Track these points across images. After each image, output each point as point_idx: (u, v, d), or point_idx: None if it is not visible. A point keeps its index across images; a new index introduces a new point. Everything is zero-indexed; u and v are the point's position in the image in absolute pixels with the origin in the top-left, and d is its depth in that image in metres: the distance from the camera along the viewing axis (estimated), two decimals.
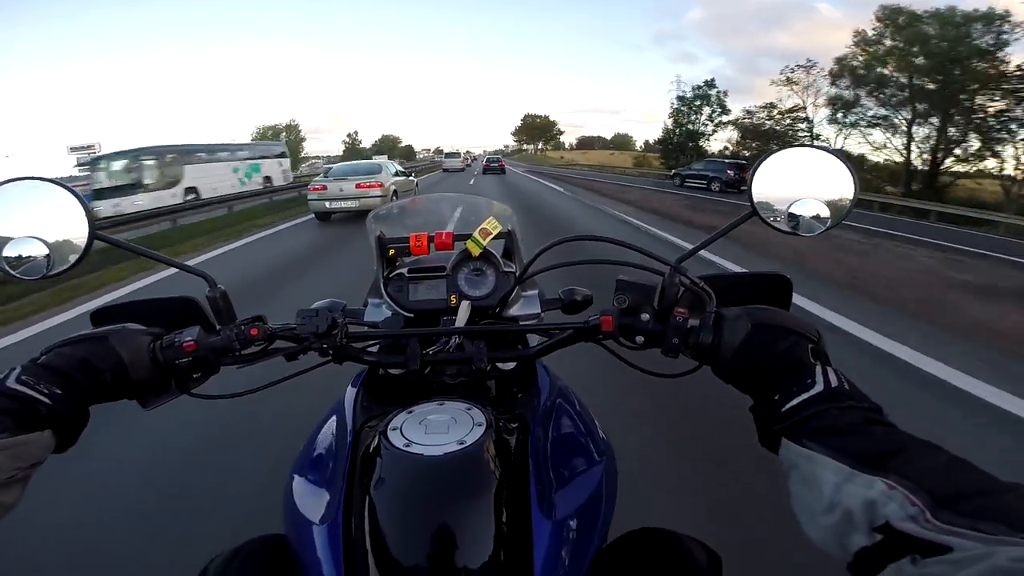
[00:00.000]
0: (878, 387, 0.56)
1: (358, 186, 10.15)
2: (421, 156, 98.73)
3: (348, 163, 13.39)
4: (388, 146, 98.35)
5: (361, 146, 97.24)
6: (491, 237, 0.86)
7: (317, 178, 11.33)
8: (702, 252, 0.69)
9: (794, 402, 0.48)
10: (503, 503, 0.51)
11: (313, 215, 10.33)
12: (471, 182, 23.76)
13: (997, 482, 0.36)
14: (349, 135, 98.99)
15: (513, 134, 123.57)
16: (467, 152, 75.05)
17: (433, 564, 0.46)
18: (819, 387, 0.48)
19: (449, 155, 45.77)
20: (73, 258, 0.56)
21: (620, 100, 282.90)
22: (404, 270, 0.92)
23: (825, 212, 0.60)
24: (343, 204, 10.10)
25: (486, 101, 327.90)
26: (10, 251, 0.54)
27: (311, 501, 0.61)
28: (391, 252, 0.96)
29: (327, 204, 10.13)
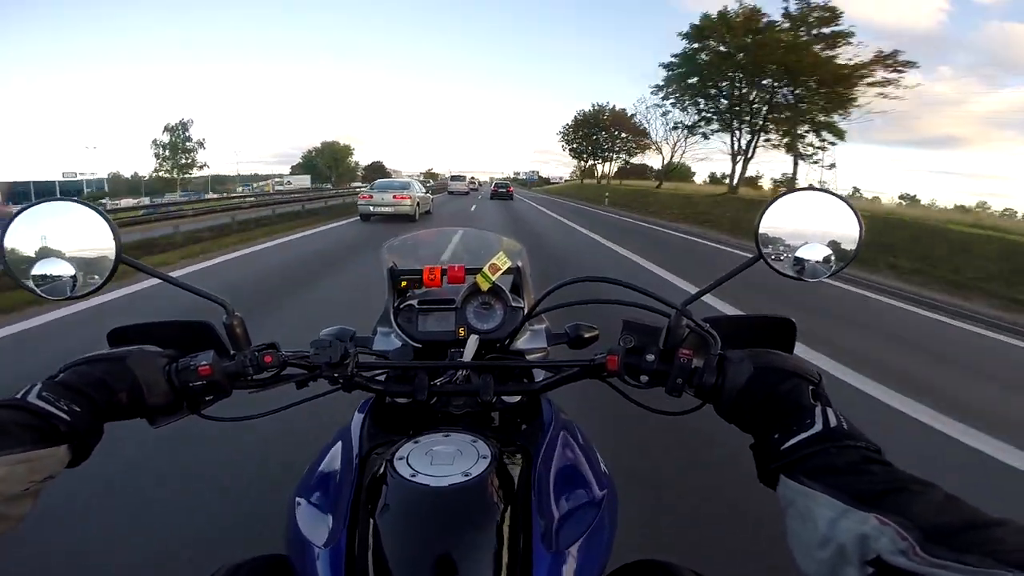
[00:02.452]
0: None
1: (395, 197, 14.34)
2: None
3: (387, 180, 17.87)
4: (328, 159, 68.76)
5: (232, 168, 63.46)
6: (500, 273, 0.88)
7: (365, 190, 16.00)
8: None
9: (793, 441, 0.49)
10: (505, 535, 0.52)
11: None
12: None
13: (987, 517, 0.37)
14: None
15: (569, 130, 63.85)
16: (472, 178, 62.75)
17: None
18: (818, 427, 0.49)
19: (455, 178, 45.20)
20: (98, 281, 0.58)
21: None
22: (414, 301, 0.94)
23: (830, 256, 0.61)
24: (384, 209, 14.27)
25: (492, 131, 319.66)
26: (38, 270, 0.56)
27: (315, 524, 0.61)
28: (403, 283, 0.99)
29: (371, 208, 14.33)
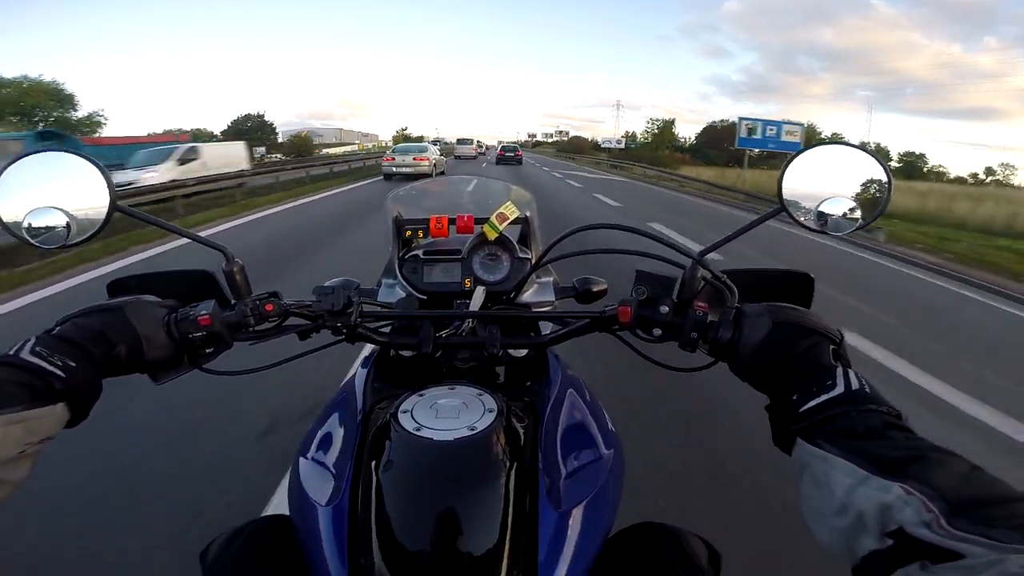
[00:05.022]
0: None
1: (414, 159, 17.07)
2: (338, 149, 46.51)
3: (407, 144, 20.93)
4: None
5: None
6: (508, 222, 0.86)
7: (388, 152, 18.81)
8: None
9: (812, 403, 0.47)
10: (510, 491, 0.51)
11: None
12: None
13: (1014, 491, 0.35)
14: None
15: None
16: (479, 142, 55.93)
17: (438, 549, 0.46)
18: (839, 389, 0.47)
19: (461, 141, 42.52)
20: (93, 229, 0.57)
21: (639, 96, 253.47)
22: (419, 252, 0.93)
23: (856, 211, 0.58)
24: (404, 169, 16.82)
25: (500, 95, 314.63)
26: (32, 220, 0.55)
27: (318, 483, 0.61)
28: (407, 233, 0.96)
29: (394, 168, 16.95)
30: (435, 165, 17.46)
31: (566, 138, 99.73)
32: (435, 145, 22.72)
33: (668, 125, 53.38)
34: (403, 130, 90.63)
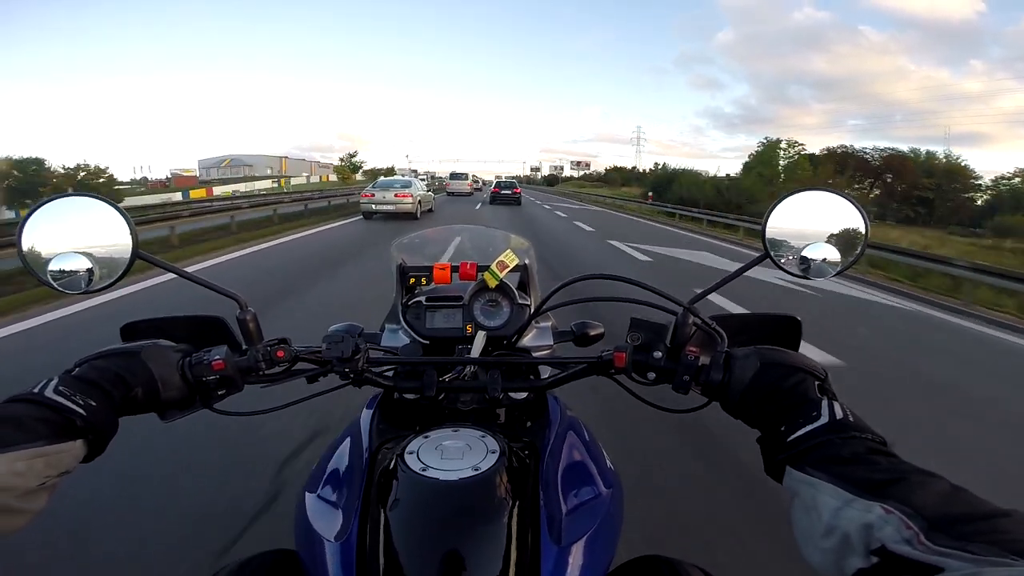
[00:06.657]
0: None
1: (396, 195, 14.39)
2: (227, 188, 41.93)
3: (389, 179, 17.55)
4: None
5: None
6: (508, 270, 0.89)
7: (368, 188, 15.77)
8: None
9: (799, 433, 0.49)
10: (513, 528, 0.53)
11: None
12: None
13: (993, 508, 0.37)
14: None
15: None
16: (475, 176, 48.13)
17: None
18: (824, 419, 0.49)
19: (455, 176, 37.56)
20: (114, 275, 0.59)
21: (637, 129, 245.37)
22: (422, 298, 0.96)
23: (836, 256, 0.62)
24: (385, 207, 14.36)
25: (495, 130, 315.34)
26: (55, 265, 0.57)
27: (325, 518, 0.62)
28: (411, 280, 1.00)
29: (373, 207, 14.37)
30: (420, 202, 15.29)
31: (587, 170, 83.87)
32: (419, 179, 20.20)
33: (803, 158, 33.33)
34: (352, 156, 69.56)
